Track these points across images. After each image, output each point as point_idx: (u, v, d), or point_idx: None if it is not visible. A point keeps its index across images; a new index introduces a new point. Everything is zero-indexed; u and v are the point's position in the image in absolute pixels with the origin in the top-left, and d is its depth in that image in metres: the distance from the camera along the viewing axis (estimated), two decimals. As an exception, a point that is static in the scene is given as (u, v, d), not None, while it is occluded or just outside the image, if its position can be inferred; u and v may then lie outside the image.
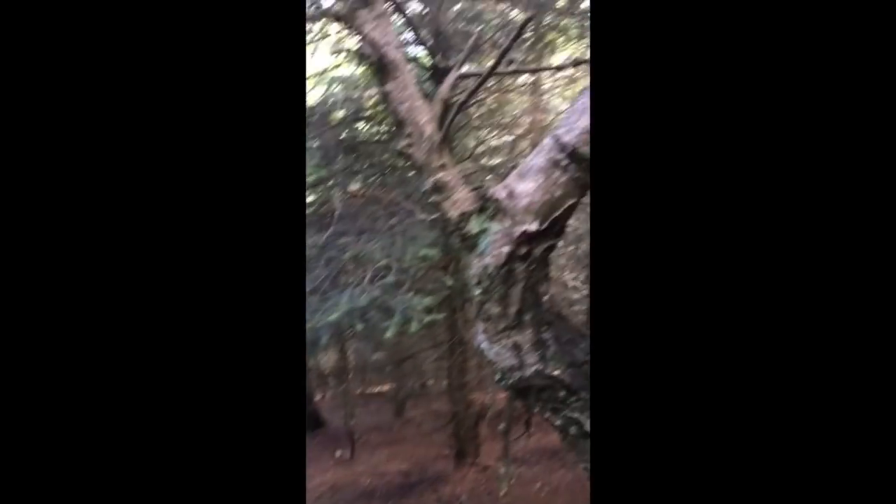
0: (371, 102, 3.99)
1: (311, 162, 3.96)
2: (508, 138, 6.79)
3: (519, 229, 1.48)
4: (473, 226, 1.55)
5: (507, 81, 5.47)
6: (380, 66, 1.51)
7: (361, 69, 5.27)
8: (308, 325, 2.71)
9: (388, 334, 2.34)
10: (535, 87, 6.44)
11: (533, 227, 1.48)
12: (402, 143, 1.53)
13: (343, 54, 5.60)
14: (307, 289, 3.03)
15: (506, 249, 1.51)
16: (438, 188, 1.52)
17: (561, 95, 6.98)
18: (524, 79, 6.24)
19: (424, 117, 1.57)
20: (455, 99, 1.90)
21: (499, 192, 1.54)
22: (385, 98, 1.53)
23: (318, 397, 8.64)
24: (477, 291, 1.57)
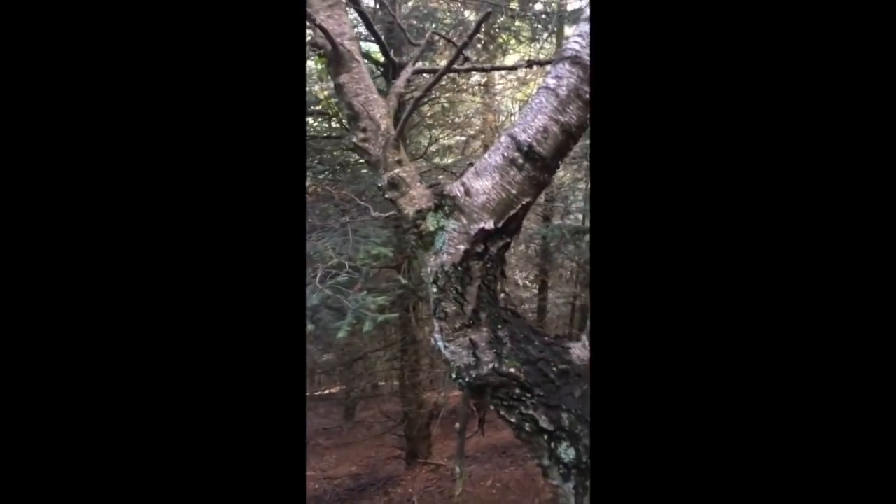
0: (322, 97, 3.88)
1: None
2: (460, 138, 6.83)
3: (476, 227, 1.48)
4: (430, 223, 1.53)
5: (460, 81, 5.50)
6: (334, 57, 1.46)
7: (312, 63, 5.13)
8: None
9: (341, 334, 2.28)
10: (486, 88, 6.51)
11: (489, 224, 1.48)
12: (358, 136, 1.49)
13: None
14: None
15: (462, 247, 1.50)
16: (394, 184, 1.49)
17: (512, 97, 7.09)
18: (476, 79, 6.29)
19: (380, 111, 1.53)
20: (409, 95, 1.87)
21: (455, 189, 1.53)
22: (339, 90, 1.49)
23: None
24: (433, 290, 1.55)
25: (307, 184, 4.19)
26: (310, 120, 4.81)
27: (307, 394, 8.49)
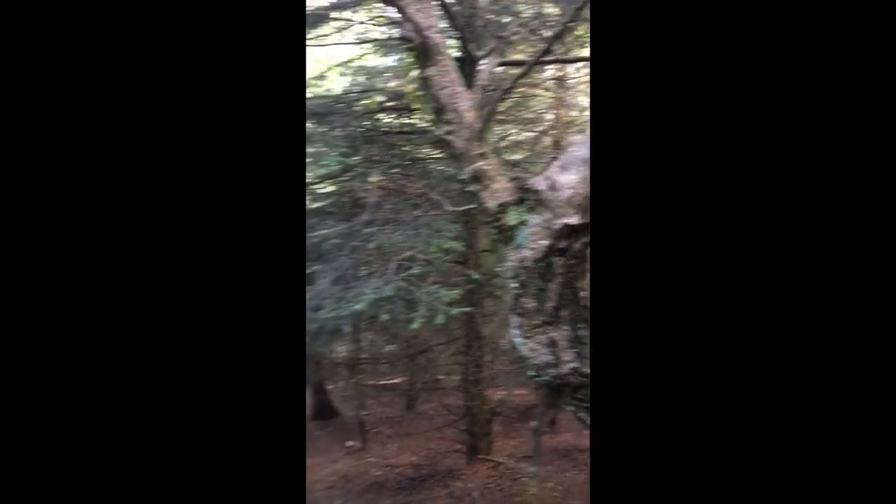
0: (401, 91, 3.95)
1: (334, 152, 3.94)
2: (531, 133, 6.71)
3: (560, 222, 1.44)
4: (512, 217, 1.51)
5: (533, 75, 5.40)
6: (422, 50, 1.47)
7: (390, 57, 5.24)
8: (331, 314, 2.70)
9: (415, 325, 2.31)
10: (560, 83, 6.35)
11: (574, 220, 1.44)
12: (443, 129, 1.49)
13: (369, 45, 5.58)
14: (330, 278, 3.02)
15: (545, 243, 1.47)
16: (477, 177, 1.48)
17: (585, 92, 6.87)
18: (549, 73, 6.15)
19: (465, 104, 1.53)
20: (491, 88, 1.85)
21: (539, 183, 1.50)
22: (426, 83, 1.50)
23: (330, 387, 8.68)
24: (513, 285, 1.53)
25: (379, 178, 4.29)
26: (381, 115, 4.92)
27: (371, 382, 8.76)
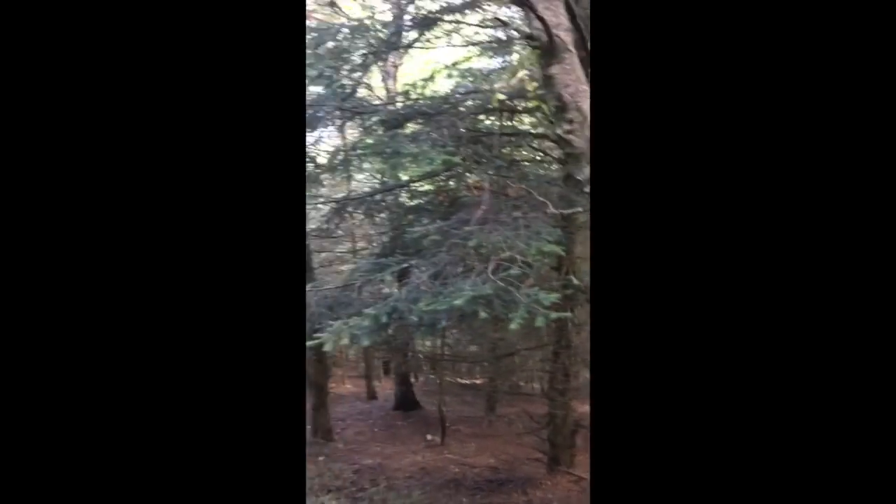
0: (509, 92, 3.96)
1: (436, 151, 4.04)
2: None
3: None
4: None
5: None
6: (548, 49, 1.46)
7: (496, 59, 5.27)
8: (428, 307, 2.77)
9: (513, 326, 2.31)
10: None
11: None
12: (563, 127, 1.47)
13: (476, 47, 5.66)
14: (429, 272, 3.10)
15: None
16: (597, 178, 1.44)
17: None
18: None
19: (588, 103, 1.49)
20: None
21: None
22: (549, 81, 1.49)
23: (413, 381, 8.92)
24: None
25: (478, 179, 4.33)
26: (481, 117, 4.96)
27: (454, 380, 8.87)
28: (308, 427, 6.65)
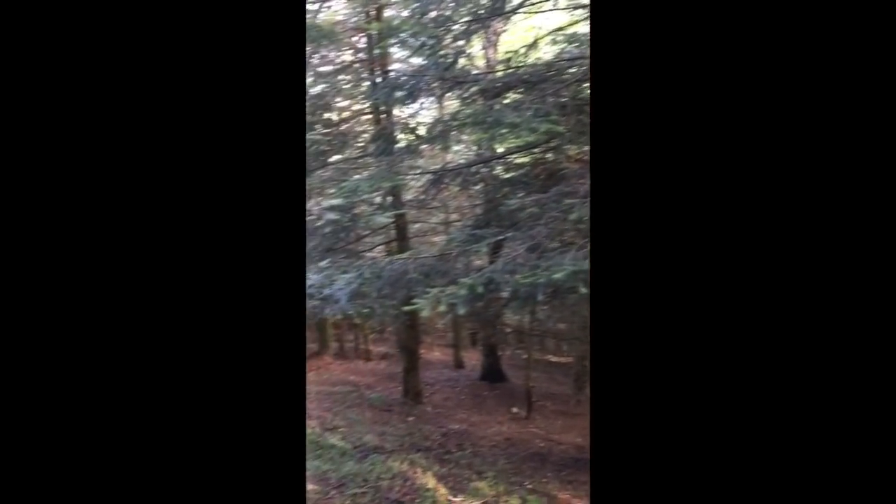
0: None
1: (538, 120, 3.91)
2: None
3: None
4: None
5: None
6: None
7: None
8: (525, 280, 2.73)
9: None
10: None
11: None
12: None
13: (581, 10, 5.34)
14: (526, 245, 3.05)
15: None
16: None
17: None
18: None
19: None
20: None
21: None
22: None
23: (501, 353, 9.00)
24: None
25: (582, 149, 4.14)
26: (586, 85, 4.70)
27: (541, 356, 8.81)
28: (399, 388, 7.00)
